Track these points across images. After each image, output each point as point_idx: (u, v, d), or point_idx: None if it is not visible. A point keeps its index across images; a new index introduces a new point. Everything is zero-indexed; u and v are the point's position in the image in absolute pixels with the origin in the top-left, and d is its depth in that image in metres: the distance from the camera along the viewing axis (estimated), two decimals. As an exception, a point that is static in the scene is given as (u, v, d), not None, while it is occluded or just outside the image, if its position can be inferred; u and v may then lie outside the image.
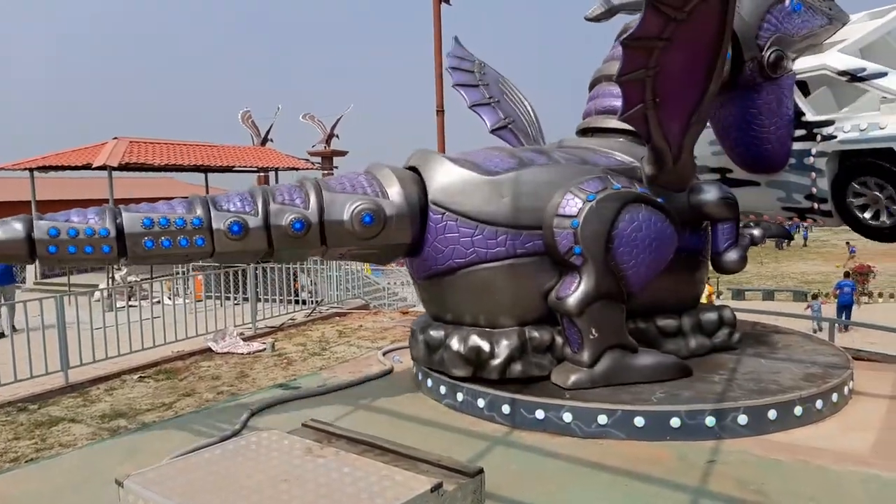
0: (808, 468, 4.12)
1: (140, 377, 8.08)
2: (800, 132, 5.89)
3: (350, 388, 5.98)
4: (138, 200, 5.29)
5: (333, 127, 38.16)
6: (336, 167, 35.47)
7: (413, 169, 5.37)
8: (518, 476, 4.10)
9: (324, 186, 5.13)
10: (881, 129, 5.34)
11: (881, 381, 5.69)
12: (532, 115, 7.35)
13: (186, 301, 11.92)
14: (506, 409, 4.89)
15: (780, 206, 6.41)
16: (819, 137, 5.76)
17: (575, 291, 4.89)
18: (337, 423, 4.46)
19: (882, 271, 30.55)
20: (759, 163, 6.21)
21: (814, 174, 5.89)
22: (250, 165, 23.24)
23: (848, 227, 6.02)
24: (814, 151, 5.81)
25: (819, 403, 4.81)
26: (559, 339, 5.14)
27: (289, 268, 12.81)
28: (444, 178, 5.15)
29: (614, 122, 5.64)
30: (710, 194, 5.42)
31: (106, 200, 15.01)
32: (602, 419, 4.60)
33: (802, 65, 5.86)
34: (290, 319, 11.27)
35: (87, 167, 18.46)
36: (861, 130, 5.47)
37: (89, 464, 4.66)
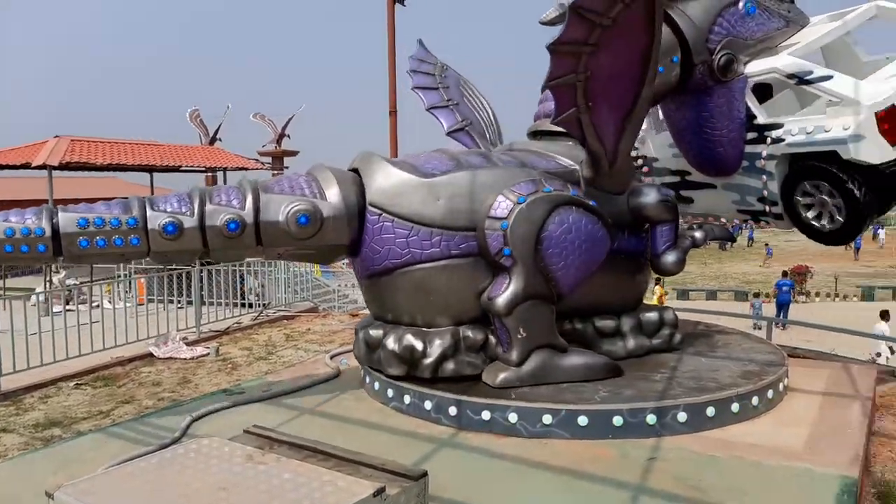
0: (744, 463, 4.23)
1: (77, 384, 7.83)
2: (751, 135, 5.98)
3: (295, 392, 5.90)
4: (80, 201, 5.37)
5: (285, 127, 37.71)
6: (287, 167, 35.04)
7: (356, 171, 5.41)
8: (463, 478, 4.11)
9: (262, 188, 5.22)
10: (826, 132, 5.43)
11: (814, 377, 5.89)
12: (491, 117, 7.40)
13: (128, 305, 11.60)
14: (452, 410, 4.90)
15: (736, 209, 6.52)
16: (769, 140, 5.86)
17: (504, 292, 4.97)
18: (281, 428, 4.40)
19: (819, 271, 31.79)
20: (713, 165, 6.30)
21: (765, 177, 5.99)
22: (198, 165, 22.79)
23: (796, 229, 6.11)
24: (764, 154, 5.91)
25: (755, 400, 4.95)
26: (493, 339, 5.20)
27: (235, 270, 12.59)
28: (382, 180, 5.21)
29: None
30: (649, 197, 5.52)
31: (46, 201, 14.50)
32: (547, 419, 4.65)
33: (754, 68, 5.93)
34: (236, 323, 11.09)
35: (27, 166, 17.80)
36: (807, 133, 5.56)
37: (20, 475, 4.48)
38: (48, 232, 4.90)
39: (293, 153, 36.48)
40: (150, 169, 21.73)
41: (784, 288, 23.41)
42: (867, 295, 28.76)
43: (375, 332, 5.43)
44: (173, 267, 11.51)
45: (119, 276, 13.97)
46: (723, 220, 7.11)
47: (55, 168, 17.33)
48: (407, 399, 5.17)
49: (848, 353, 8.71)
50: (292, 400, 5.73)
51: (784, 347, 6.54)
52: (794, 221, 6.03)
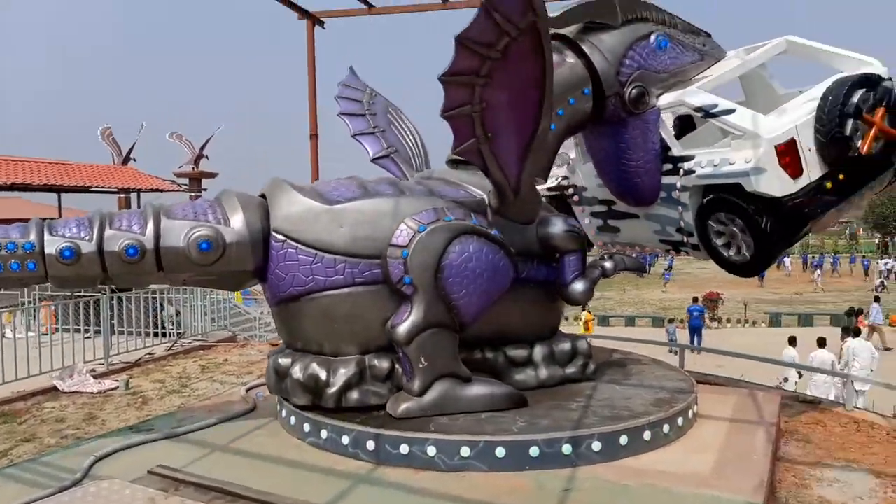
0: (655, 491, 4.33)
1: (-29, 422, 7.31)
2: (667, 166, 6.12)
3: (207, 428, 5.68)
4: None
5: (203, 147, 36.88)
6: (205, 189, 34.25)
7: (265, 197, 5.40)
8: (379, 514, 4.04)
9: (165, 213, 5.17)
10: (730, 164, 5.58)
11: (723, 403, 6.09)
12: (419, 144, 7.42)
13: (30, 334, 10.95)
14: (370, 445, 4.83)
15: (658, 239, 6.67)
16: (682, 172, 5.99)
17: (405, 320, 5.00)
18: (189, 467, 4.23)
19: (730, 298, 33.20)
20: (632, 195, 6.44)
21: (680, 208, 6.12)
22: (110, 186, 21.96)
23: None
24: (678, 185, 6.04)
25: (666, 428, 5.08)
26: (399, 368, 5.19)
27: (148, 296, 12.11)
28: (287, 206, 5.21)
29: None
30: (556, 227, 5.61)
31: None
32: (465, 451, 4.63)
33: (665, 100, 6.08)
34: (149, 354, 10.61)
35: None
36: (714, 166, 5.71)
37: None
38: None
39: (212, 175, 35.68)
40: (59, 189, 20.79)
41: (695, 313, 24.38)
42: (774, 321, 30.25)
43: (284, 361, 5.39)
44: (81, 293, 10.98)
45: (22, 304, 13.20)
46: (647, 248, 7.30)
47: (-47, 188, 16.36)
48: (324, 434, 5.07)
49: (757, 378, 9.09)
50: (203, 436, 5.50)
51: (695, 374, 6.77)
52: (709, 252, 6.18)
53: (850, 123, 5.41)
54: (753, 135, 5.48)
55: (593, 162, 6.68)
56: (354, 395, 5.16)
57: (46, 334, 11.06)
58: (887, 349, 21.10)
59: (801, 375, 13.70)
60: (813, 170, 5.51)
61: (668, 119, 6.22)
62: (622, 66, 6.01)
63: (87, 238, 4.98)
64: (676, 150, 6.09)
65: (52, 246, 4.94)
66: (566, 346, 5.94)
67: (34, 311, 13.06)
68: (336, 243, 5.09)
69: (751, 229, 5.66)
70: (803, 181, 5.49)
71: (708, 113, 5.82)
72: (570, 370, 5.92)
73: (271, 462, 4.91)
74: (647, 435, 4.94)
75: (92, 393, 8.40)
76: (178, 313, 13.35)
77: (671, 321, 25.50)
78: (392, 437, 4.78)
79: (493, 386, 5.33)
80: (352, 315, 5.14)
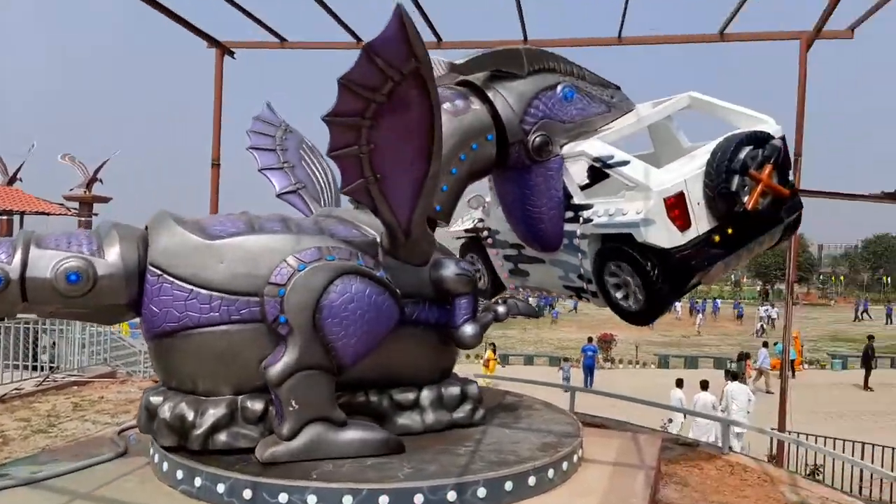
0: (537, 539, 4.33)
1: None
2: (569, 214, 6.25)
3: (71, 473, 5.25)
4: None
5: (97, 171, 35.19)
6: (96, 214, 32.58)
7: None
8: (251, 569, 3.82)
9: (35, 242, 4.87)
10: (623, 215, 5.72)
11: (608, 446, 6.21)
12: (331, 182, 7.31)
13: None
14: (247, 493, 4.58)
15: (562, 285, 6.75)
16: (581, 220, 6.13)
17: (278, 361, 4.84)
18: (42, 520, 3.87)
19: (623, 339, 34.44)
20: (537, 240, 6.54)
21: (580, 255, 6.26)
22: (-11, 207, 20.47)
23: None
24: (578, 233, 6.18)
25: (550, 472, 5.11)
26: (273, 410, 5.01)
27: (18, 326, 11.24)
28: (166, 240, 5.02)
29: None
30: (448, 270, 5.59)
31: None
32: (347, 500, 4.47)
33: (568, 150, 6.21)
34: (16, 389, 9.80)
35: None
36: (609, 216, 5.85)
37: None
38: None
39: (105, 199, 34.02)
40: (-72, 208, 19.21)
41: (589, 353, 25.19)
42: (663, 363, 31.61)
43: (155, 399, 5.14)
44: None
45: None
46: (554, 292, 7.40)
47: None
48: (198, 481, 4.77)
49: (645, 417, 9.39)
50: (67, 483, 5.07)
51: (584, 415, 6.89)
52: (605, 299, 6.33)
53: (736, 179, 5.68)
54: (645, 187, 5.67)
55: (502, 206, 6.79)
56: (222, 437, 4.94)
57: None
58: (769, 392, 22.15)
59: (685, 416, 14.30)
60: (701, 223, 5.74)
61: (581, 168, 6.33)
62: (527, 114, 6.14)
63: None
64: (578, 198, 6.25)
65: None
66: (455, 390, 5.88)
67: None
68: (213, 279, 4.92)
69: (641, 278, 5.83)
70: (691, 234, 5.70)
71: (605, 164, 6.01)
72: (458, 415, 5.84)
73: (138, 512, 4.59)
74: (531, 480, 4.95)
75: (-57, 433, 7.64)
76: (53, 345, 12.46)
77: (566, 360, 26.17)
78: (270, 486, 4.56)
79: (368, 431, 5.17)
80: (227, 354, 4.95)
